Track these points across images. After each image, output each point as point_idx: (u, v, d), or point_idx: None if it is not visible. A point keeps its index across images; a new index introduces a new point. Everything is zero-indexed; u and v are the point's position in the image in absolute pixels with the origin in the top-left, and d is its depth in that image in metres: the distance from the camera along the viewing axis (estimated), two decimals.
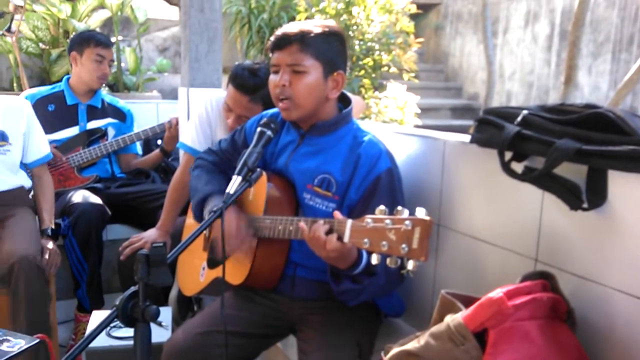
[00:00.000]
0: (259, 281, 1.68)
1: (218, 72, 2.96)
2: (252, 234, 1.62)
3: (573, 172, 1.32)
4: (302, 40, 1.58)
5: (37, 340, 1.59)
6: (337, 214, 1.38)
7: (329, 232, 1.37)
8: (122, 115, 3.15)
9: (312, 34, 1.59)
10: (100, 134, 3.01)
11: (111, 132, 3.08)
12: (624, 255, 1.26)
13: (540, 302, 1.24)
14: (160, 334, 1.87)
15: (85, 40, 2.93)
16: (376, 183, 1.59)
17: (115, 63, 4.12)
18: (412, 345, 1.27)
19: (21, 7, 3.65)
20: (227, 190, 1.39)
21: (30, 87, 3.34)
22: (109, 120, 3.08)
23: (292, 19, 4.77)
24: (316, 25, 1.62)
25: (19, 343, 1.57)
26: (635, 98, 6.44)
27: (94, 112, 3.04)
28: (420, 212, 1.18)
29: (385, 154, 1.64)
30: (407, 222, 1.17)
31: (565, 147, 1.28)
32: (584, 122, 1.32)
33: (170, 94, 4.69)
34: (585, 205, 1.30)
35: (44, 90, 3.02)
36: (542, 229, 1.45)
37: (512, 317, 1.19)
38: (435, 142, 1.80)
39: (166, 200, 2.49)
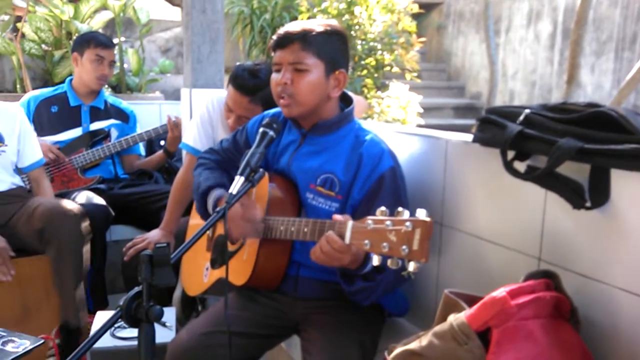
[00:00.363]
0: (262, 281, 1.68)
1: (220, 73, 2.96)
2: (259, 215, 1.60)
3: (576, 171, 1.32)
4: (304, 38, 1.58)
5: (42, 341, 1.60)
6: (336, 216, 1.38)
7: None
8: (125, 117, 3.15)
9: (314, 33, 1.59)
10: (104, 135, 3.02)
11: (114, 133, 3.09)
12: (627, 254, 1.26)
13: (543, 301, 1.24)
14: (164, 335, 1.87)
15: (86, 41, 2.94)
16: (380, 182, 1.59)
17: (118, 64, 4.13)
18: (416, 344, 1.27)
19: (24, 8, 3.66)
20: (229, 191, 1.39)
21: (33, 89, 3.35)
22: (112, 121, 3.09)
23: (294, 19, 4.78)
24: (318, 24, 1.62)
25: (23, 344, 1.58)
26: (638, 96, 6.42)
27: (97, 114, 3.04)
28: (421, 214, 1.18)
29: (387, 153, 1.64)
30: (407, 223, 1.17)
31: (567, 146, 1.28)
32: (587, 121, 1.32)
33: (173, 95, 4.70)
34: (588, 204, 1.30)
35: (47, 91, 3.03)
36: (545, 228, 1.45)
37: (516, 316, 1.19)
38: (438, 141, 1.80)
39: (169, 201, 2.50)
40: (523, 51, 7.70)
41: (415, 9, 4.93)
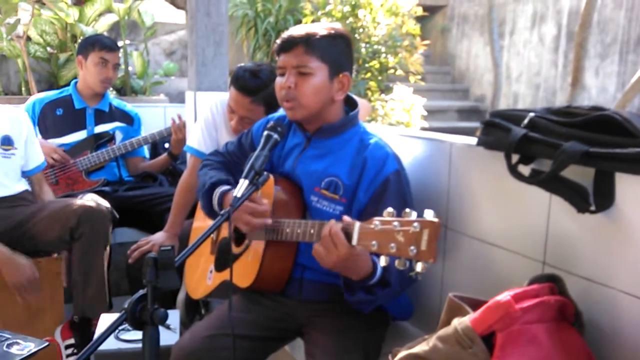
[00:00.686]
0: (267, 284, 1.68)
1: (225, 76, 2.97)
2: (265, 209, 1.60)
3: (580, 174, 1.32)
4: (308, 42, 1.59)
5: (47, 344, 1.60)
6: (346, 218, 1.38)
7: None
8: (129, 119, 3.16)
9: (317, 36, 1.59)
10: (108, 137, 3.03)
11: (119, 135, 3.10)
12: (632, 258, 1.25)
13: (548, 305, 1.24)
14: (168, 337, 1.87)
15: (91, 44, 2.95)
16: (385, 185, 1.59)
17: (123, 67, 4.14)
18: (420, 348, 1.27)
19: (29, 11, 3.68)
20: (234, 194, 1.39)
21: (39, 91, 3.37)
22: (117, 124, 3.10)
23: (298, 22, 4.78)
24: (322, 27, 1.63)
25: (28, 346, 1.58)
26: None
27: (101, 116, 3.05)
28: (429, 214, 1.18)
29: (392, 156, 1.64)
30: (415, 224, 1.17)
31: (572, 150, 1.28)
32: (591, 125, 1.32)
33: (177, 98, 4.71)
34: (592, 208, 1.30)
35: (52, 94, 3.04)
36: (549, 232, 1.45)
37: (520, 320, 1.19)
38: (442, 144, 1.80)
39: (174, 203, 2.51)
40: (527, 54, 7.70)
41: (420, 11, 4.94)
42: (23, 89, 4.14)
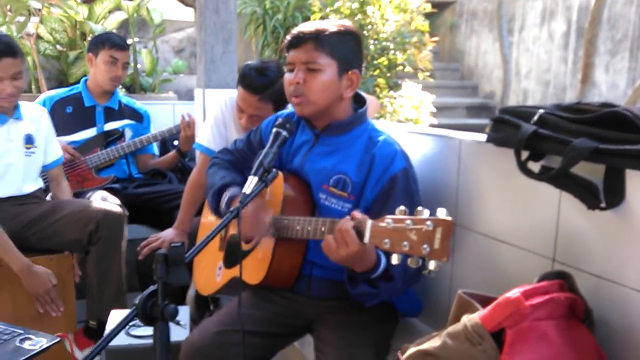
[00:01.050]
0: (277, 281, 1.68)
1: (233, 73, 2.98)
2: (270, 216, 1.61)
3: (590, 171, 1.31)
4: (318, 38, 1.59)
5: (58, 339, 1.62)
6: (356, 213, 1.38)
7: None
8: (138, 117, 3.17)
9: (327, 32, 1.59)
10: (118, 135, 3.04)
11: (128, 133, 3.11)
12: None
13: (557, 302, 1.23)
14: (178, 333, 1.88)
15: (101, 42, 2.96)
16: (392, 183, 1.59)
17: (132, 65, 4.15)
18: (429, 345, 1.27)
19: (39, 10, 3.70)
20: (243, 191, 1.39)
21: (48, 89, 3.38)
22: (126, 121, 3.11)
23: (307, 19, 4.78)
24: (332, 24, 1.63)
25: (40, 341, 1.60)
26: None
27: (111, 114, 3.07)
28: (442, 213, 1.18)
29: (400, 154, 1.64)
30: (428, 222, 1.17)
31: (582, 146, 1.28)
32: (601, 121, 1.31)
33: (186, 95, 4.72)
34: (603, 205, 1.30)
35: (62, 92, 3.06)
36: (559, 229, 1.44)
37: (530, 317, 1.19)
38: (451, 141, 1.80)
39: (183, 200, 2.52)
40: (537, 50, 7.65)
41: (428, 8, 4.92)
42: (33, 86, 4.16)
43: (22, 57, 2.32)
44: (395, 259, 1.24)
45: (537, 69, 7.65)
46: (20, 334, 1.64)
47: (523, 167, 1.45)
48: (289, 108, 1.82)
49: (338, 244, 1.37)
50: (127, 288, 2.49)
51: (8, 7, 3.98)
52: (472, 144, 1.73)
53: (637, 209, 1.26)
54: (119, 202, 2.74)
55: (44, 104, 2.98)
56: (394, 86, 4.91)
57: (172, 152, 3.19)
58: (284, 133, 1.57)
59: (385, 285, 1.49)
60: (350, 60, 1.63)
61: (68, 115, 2.98)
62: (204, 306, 2.40)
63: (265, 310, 1.74)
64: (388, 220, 1.25)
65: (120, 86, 3.86)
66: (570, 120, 1.38)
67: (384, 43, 4.68)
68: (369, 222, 1.31)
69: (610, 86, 6.80)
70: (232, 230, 1.88)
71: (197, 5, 2.99)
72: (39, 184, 2.53)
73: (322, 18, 4.46)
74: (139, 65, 4.48)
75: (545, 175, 1.39)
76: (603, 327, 1.30)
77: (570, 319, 1.26)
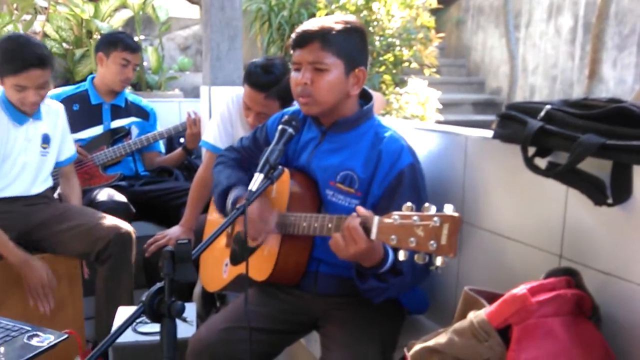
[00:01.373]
0: (283, 277, 1.69)
1: (239, 70, 2.98)
2: (275, 217, 1.62)
3: (597, 167, 1.31)
4: (324, 38, 1.58)
5: (66, 336, 1.62)
6: (360, 209, 1.38)
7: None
8: (145, 114, 3.18)
9: (333, 31, 1.59)
10: (124, 132, 3.05)
11: (135, 130, 3.12)
12: None
13: (564, 299, 1.23)
14: (184, 330, 1.89)
15: (113, 43, 2.96)
16: (399, 178, 1.59)
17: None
18: (435, 341, 1.27)
19: (45, 8, 3.71)
20: (249, 188, 1.40)
21: (55, 87, 3.39)
22: (133, 119, 3.12)
23: (312, 15, 4.77)
24: (337, 21, 1.62)
25: (48, 338, 1.61)
26: None
27: (117, 111, 3.08)
28: (449, 209, 1.18)
29: (407, 149, 1.64)
30: (435, 218, 1.17)
31: (589, 142, 1.27)
32: (608, 117, 1.31)
33: (192, 93, 4.72)
34: (610, 201, 1.29)
35: (69, 90, 3.07)
36: (566, 225, 1.44)
37: (536, 314, 1.18)
38: (457, 137, 1.80)
39: (189, 198, 2.53)
40: (544, 46, 7.61)
41: (434, 4, 4.89)
42: None
43: (52, 66, 2.30)
44: (402, 255, 1.24)
45: (544, 64, 7.61)
46: (28, 330, 1.65)
47: (530, 163, 1.45)
48: (295, 105, 1.82)
49: (346, 242, 1.37)
50: (134, 285, 2.49)
51: (15, 5, 3.99)
52: (478, 140, 1.73)
53: None
54: (125, 199, 2.75)
55: None
56: (400, 82, 4.89)
57: (179, 150, 3.20)
58: (290, 130, 1.57)
59: (394, 279, 1.50)
60: (357, 58, 1.63)
61: (75, 113, 2.98)
62: (210, 303, 2.41)
63: (271, 307, 1.74)
64: (395, 217, 1.25)
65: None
66: (577, 116, 1.37)
67: (389, 39, 4.66)
68: (376, 219, 1.31)
69: (618, 81, 6.75)
70: (238, 228, 1.88)
71: (203, 2, 3.00)
72: (49, 183, 2.53)
73: (327, 14, 4.45)
74: (145, 63, 4.48)
75: (552, 172, 1.39)
76: (610, 324, 1.30)
77: (577, 315, 1.26)
